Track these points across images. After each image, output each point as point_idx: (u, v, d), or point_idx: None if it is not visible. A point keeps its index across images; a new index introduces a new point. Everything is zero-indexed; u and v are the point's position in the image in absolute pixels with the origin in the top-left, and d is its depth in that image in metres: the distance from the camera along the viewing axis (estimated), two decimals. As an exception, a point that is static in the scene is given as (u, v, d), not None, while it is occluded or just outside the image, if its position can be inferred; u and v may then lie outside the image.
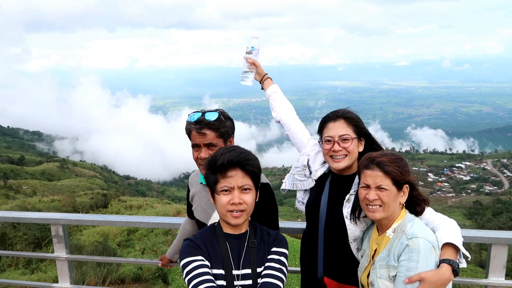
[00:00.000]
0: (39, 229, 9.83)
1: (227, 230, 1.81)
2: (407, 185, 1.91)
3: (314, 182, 2.33)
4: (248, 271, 1.75)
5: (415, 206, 1.96)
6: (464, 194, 74.13)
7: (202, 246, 1.77)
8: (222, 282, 1.71)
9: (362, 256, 2.09)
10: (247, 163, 1.73)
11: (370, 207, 1.89)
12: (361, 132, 2.19)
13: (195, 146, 2.15)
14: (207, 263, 1.73)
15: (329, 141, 2.16)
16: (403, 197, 1.92)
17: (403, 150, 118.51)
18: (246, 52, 2.50)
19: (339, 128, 2.15)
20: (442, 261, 1.76)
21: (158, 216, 3.42)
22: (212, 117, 2.12)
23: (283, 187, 2.50)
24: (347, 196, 2.15)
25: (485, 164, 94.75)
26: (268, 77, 2.65)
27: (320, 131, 2.25)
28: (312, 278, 2.27)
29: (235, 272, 1.74)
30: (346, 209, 2.13)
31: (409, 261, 1.76)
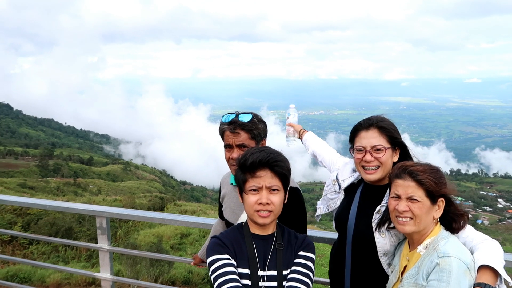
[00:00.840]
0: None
1: (254, 230, 1.82)
2: (443, 199, 1.79)
3: (344, 193, 2.25)
4: (274, 272, 1.75)
5: (451, 222, 1.82)
6: (539, 224, 67.46)
7: (229, 244, 1.77)
8: (247, 282, 1.71)
9: (392, 272, 1.98)
10: (276, 164, 1.73)
11: (400, 219, 1.78)
12: (396, 142, 2.06)
13: (228, 147, 2.19)
14: (233, 262, 1.73)
15: (360, 150, 2.06)
16: (438, 212, 1.79)
17: (470, 172, 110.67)
18: (286, 119, 2.89)
19: (371, 138, 2.03)
20: (477, 284, 1.60)
21: (194, 216, 3.50)
22: (245, 118, 2.16)
23: (318, 213, 2.43)
24: (378, 208, 2.03)
25: None
26: (304, 131, 2.81)
27: (352, 139, 2.14)
28: None
29: (260, 272, 1.74)
30: (376, 221, 2.02)
31: (438, 281, 1.62)
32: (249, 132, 2.15)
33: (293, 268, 1.76)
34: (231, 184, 2.35)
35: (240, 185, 1.80)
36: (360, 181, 2.22)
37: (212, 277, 1.70)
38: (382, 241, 1.99)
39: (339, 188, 2.27)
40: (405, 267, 1.85)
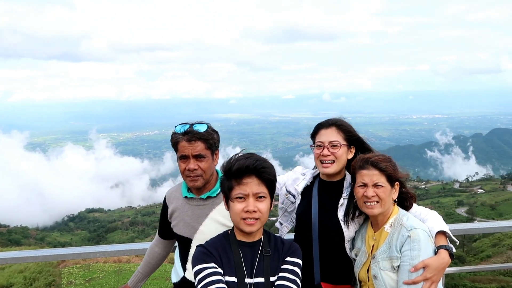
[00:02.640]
0: None
1: (240, 237, 1.79)
2: (398, 182, 2.09)
3: (300, 196, 2.41)
4: (261, 279, 1.73)
5: (405, 201, 2.15)
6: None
7: (214, 252, 1.74)
8: None
9: (356, 255, 2.21)
10: (263, 170, 1.71)
11: (369, 203, 2.02)
12: (351, 140, 2.33)
13: (183, 157, 2.14)
14: (220, 270, 1.70)
15: (320, 146, 2.29)
16: (395, 194, 2.08)
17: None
18: None
19: (330, 135, 2.29)
20: (439, 247, 1.95)
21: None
22: (202, 128, 2.14)
23: (284, 232, 2.54)
24: (341, 201, 2.27)
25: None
26: None
27: (313, 136, 2.39)
28: (310, 285, 2.28)
29: (247, 280, 1.72)
30: (341, 213, 2.24)
31: (411, 250, 1.90)
32: (205, 142, 2.12)
33: (281, 274, 1.75)
34: (185, 197, 2.28)
35: (226, 192, 1.76)
36: (313, 182, 2.44)
37: (198, 287, 1.67)
38: (348, 230, 2.23)
39: (296, 195, 2.43)
40: (373, 246, 2.10)
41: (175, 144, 2.17)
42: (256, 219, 1.71)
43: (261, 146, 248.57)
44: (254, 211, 1.69)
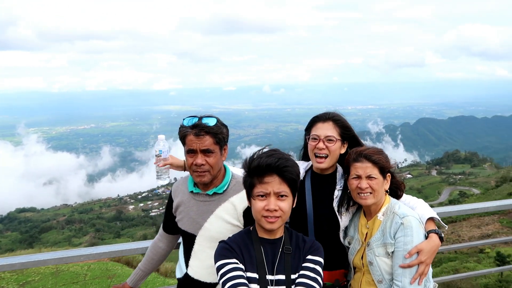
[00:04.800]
0: None
1: (262, 234, 1.80)
2: (389, 174, 2.19)
3: None
4: (282, 277, 1.74)
5: (396, 191, 2.26)
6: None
7: (236, 249, 1.76)
8: (255, 286, 1.71)
9: (349, 242, 2.30)
10: (285, 169, 1.70)
11: (362, 194, 2.11)
12: (346, 136, 2.36)
13: (191, 152, 2.07)
14: (241, 266, 1.72)
15: (315, 139, 2.31)
16: (387, 184, 2.17)
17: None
18: (156, 155, 2.33)
19: (327, 129, 2.31)
20: (429, 232, 2.07)
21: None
22: (211, 122, 2.06)
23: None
24: (336, 192, 2.33)
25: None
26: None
27: (309, 129, 2.40)
28: None
29: (269, 277, 1.73)
30: (336, 204, 2.31)
31: (405, 236, 2.02)
32: (214, 137, 2.06)
33: (301, 272, 1.76)
34: (191, 191, 2.22)
35: (247, 189, 1.77)
36: (304, 175, 2.45)
37: (220, 282, 1.68)
38: (344, 219, 2.30)
39: None
40: (366, 234, 2.19)
41: (182, 137, 2.10)
42: (277, 217, 1.71)
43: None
44: (275, 210, 1.69)
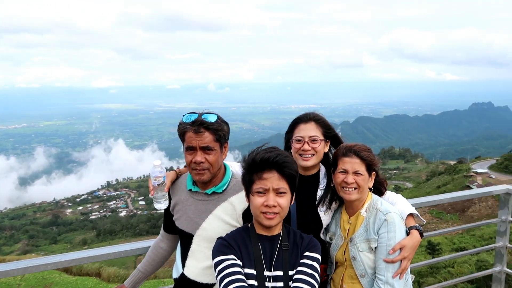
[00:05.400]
0: None
1: (260, 231, 1.81)
2: (374, 172, 2.23)
3: None
4: (280, 273, 1.76)
5: (380, 188, 2.33)
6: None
7: (234, 245, 1.77)
8: (253, 282, 1.72)
9: (330, 238, 2.34)
10: (284, 165, 1.71)
11: (347, 189, 2.14)
12: (328, 135, 2.38)
13: (190, 149, 2.02)
14: (239, 262, 1.73)
15: (299, 140, 2.31)
16: (371, 182, 2.22)
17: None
18: (158, 184, 2.10)
19: (310, 130, 2.32)
20: (410, 228, 2.15)
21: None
22: (211, 118, 2.02)
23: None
24: (319, 192, 2.35)
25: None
26: None
27: (291, 131, 2.40)
28: None
29: (266, 273, 1.75)
30: (321, 204, 2.34)
31: (388, 232, 2.08)
32: (214, 134, 2.00)
33: (299, 268, 1.77)
34: (189, 190, 2.17)
35: (246, 185, 1.79)
36: None
37: (218, 278, 1.70)
38: (326, 217, 2.34)
39: None
40: (349, 229, 2.24)
41: (182, 134, 2.05)
42: (276, 213, 1.72)
43: (146, 137, 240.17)
44: (274, 206, 1.70)
